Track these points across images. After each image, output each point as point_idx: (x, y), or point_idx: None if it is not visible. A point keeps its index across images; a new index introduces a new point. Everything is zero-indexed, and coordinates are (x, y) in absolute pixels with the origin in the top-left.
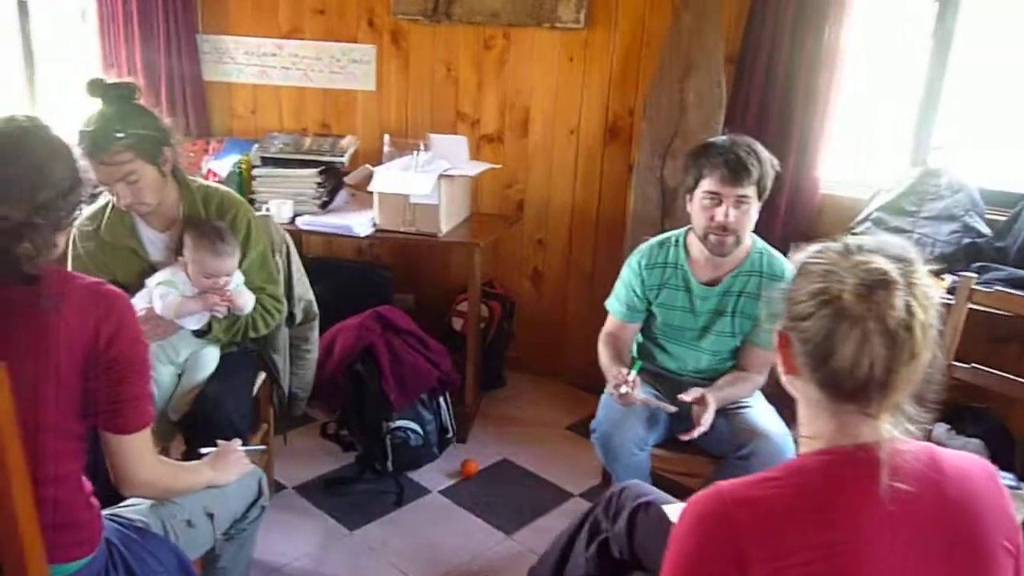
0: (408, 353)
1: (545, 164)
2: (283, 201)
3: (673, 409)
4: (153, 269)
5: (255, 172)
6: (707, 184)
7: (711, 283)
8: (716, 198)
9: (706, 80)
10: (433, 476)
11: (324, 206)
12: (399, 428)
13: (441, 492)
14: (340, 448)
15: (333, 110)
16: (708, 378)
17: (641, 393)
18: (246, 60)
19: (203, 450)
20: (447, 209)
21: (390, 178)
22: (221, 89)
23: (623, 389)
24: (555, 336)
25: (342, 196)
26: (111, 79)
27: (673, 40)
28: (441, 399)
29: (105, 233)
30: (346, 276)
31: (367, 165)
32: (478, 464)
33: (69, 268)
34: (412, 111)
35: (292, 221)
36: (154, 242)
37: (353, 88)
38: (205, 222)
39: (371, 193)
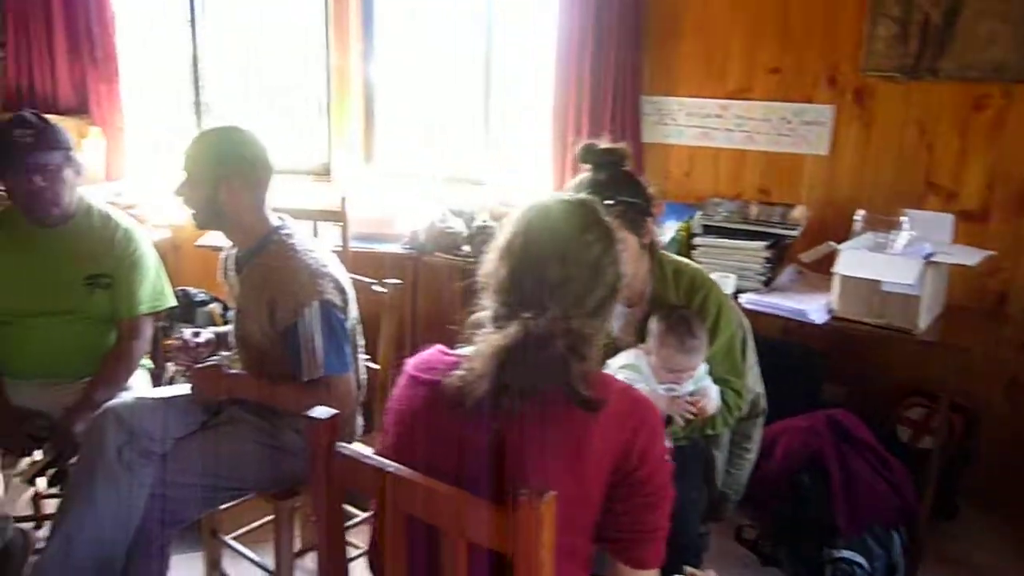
0: (865, 472)
1: None
2: (725, 275)
3: None
4: (615, 346)
5: (696, 241)
6: None
7: None
8: None
9: None
10: None
11: (767, 283)
12: (843, 559)
13: None
14: (758, 560)
15: (775, 175)
16: None
17: None
18: (687, 121)
19: None
20: (928, 301)
21: (862, 260)
22: (658, 151)
23: None
24: None
25: (788, 274)
26: (603, 145)
27: None
28: (895, 532)
29: None
30: (771, 357)
31: (830, 242)
32: None
33: None
34: (870, 179)
35: (735, 298)
36: (618, 316)
37: (801, 152)
38: (674, 311)
39: (819, 272)
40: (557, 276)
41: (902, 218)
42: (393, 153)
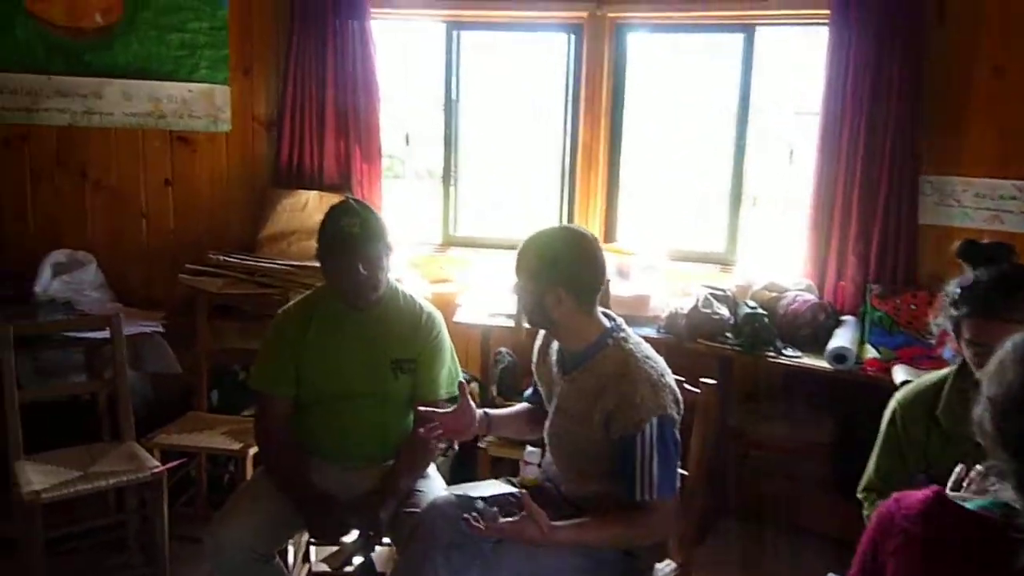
0: None
1: None
2: None
3: None
4: None
5: None
6: None
7: None
8: None
9: None
10: None
11: None
12: None
13: None
14: None
15: None
16: None
17: None
18: (975, 203)
19: None
20: None
21: None
22: (938, 234)
23: None
24: None
25: None
26: (984, 241)
27: None
28: None
29: (944, 418)
30: None
31: None
32: None
33: None
34: None
35: None
36: None
37: None
38: None
39: None
40: None
41: None
42: (634, 233)
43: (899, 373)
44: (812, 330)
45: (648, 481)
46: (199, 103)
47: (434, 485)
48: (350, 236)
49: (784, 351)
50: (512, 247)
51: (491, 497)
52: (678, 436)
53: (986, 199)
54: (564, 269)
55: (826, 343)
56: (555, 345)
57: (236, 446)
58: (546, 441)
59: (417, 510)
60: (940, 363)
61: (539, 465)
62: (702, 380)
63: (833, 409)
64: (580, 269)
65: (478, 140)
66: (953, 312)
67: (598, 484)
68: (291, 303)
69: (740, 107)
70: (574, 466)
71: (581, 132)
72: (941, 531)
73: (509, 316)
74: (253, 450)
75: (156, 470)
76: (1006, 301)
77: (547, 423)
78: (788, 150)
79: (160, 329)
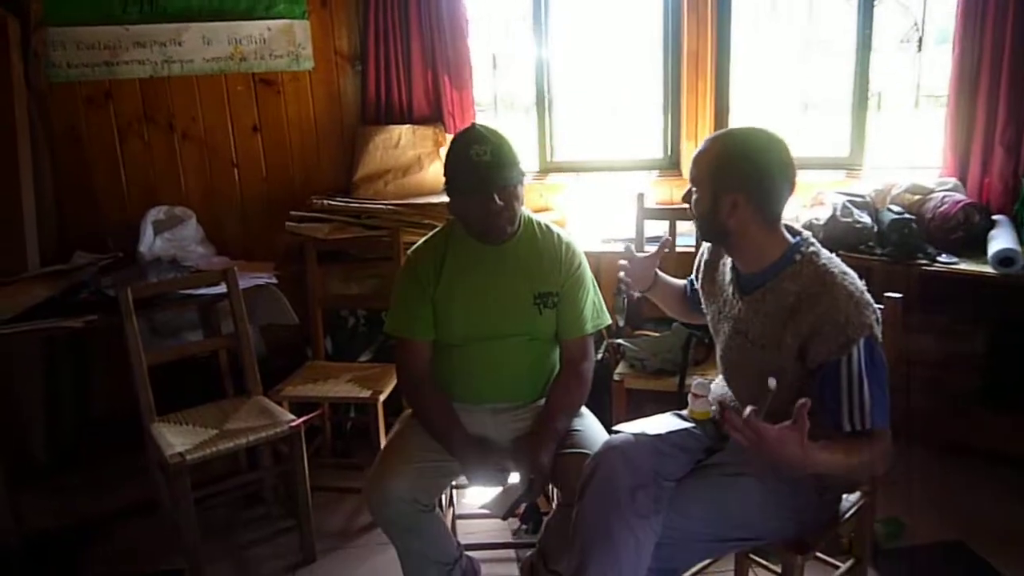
0: None
1: None
2: None
3: None
4: None
5: None
6: None
7: None
8: None
9: None
10: None
11: None
12: None
13: None
14: None
15: None
16: None
17: None
18: None
19: None
20: None
21: None
22: None
23: None
24: None
25: None
26: None
27: None
28: None
29: None
30: None
31: None
32: None
33: None
34: None
35: None
36: None
37: None
38: None
39: None
40: None
41: None
42: None
43: None
44: (965, 233)
45: (859, 409)
46: (279, 41)
47: (590, 423)
48: (482, 166)
49: (938, 258)
50: (614, 168)
51: (667, 434)
52: (885, 358)
53: None
54: (745, 171)
55: (980, 246)
56: (727, 262)
57: (366, 393)
58: (721, 368)
59: (579, 450)
60: None
61: (707, 397)
62: (886, 294)
63: (984, 318)
64: (764, 174)
65: (571, 61)
66: None
67: (786, 415)
68: (419, 243)
69: None
70: (747, 394)
71: (685, 38)
72: None
73: (624, 240)
74: (383, 396)
75: (293, 423)
76: None
77: (720, 348)
78: (916, 38)
79: (274, 280)
